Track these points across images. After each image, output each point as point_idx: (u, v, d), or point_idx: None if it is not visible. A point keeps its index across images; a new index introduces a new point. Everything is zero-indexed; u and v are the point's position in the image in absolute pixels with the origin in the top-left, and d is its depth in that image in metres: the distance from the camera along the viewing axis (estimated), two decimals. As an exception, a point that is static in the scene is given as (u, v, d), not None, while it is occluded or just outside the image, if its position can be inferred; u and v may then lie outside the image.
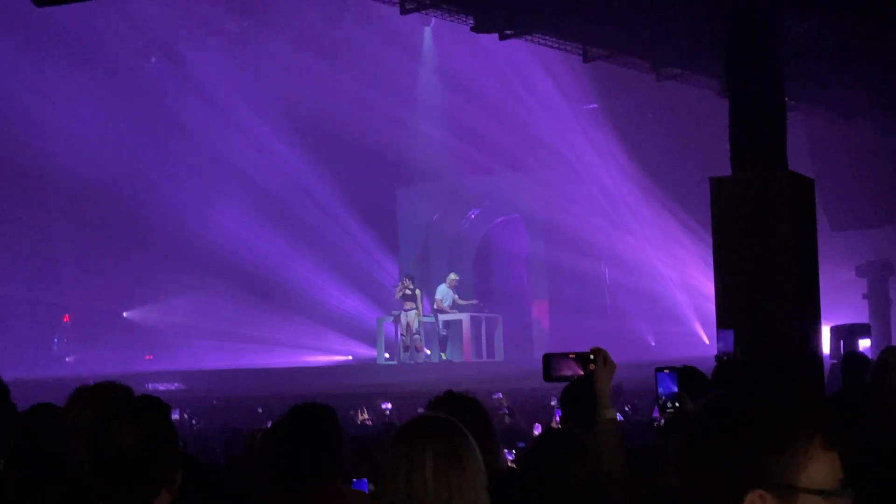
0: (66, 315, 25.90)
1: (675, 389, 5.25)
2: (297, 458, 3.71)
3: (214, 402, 15.14)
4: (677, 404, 5.22)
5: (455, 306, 21.06)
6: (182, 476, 2.97)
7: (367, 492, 4.38)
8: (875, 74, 14.86)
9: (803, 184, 10.04)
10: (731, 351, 5.97)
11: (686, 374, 5.16)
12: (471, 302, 21.46)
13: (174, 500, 2.94)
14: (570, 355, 4.48)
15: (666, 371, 5.31)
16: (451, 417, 2.62)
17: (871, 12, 12.10)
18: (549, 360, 4.49)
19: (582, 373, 4.44)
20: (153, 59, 24.55)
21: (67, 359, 25.10)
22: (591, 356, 4.42)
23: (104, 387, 3.95)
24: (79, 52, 23.52)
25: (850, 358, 9.92)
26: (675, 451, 1.77)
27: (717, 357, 6.02)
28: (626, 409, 10.69)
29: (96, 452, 2.93)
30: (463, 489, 2.47)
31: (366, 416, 11.53)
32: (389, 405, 12.22)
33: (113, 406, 3.04)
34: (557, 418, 5.71)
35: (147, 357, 25.03)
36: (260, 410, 13.12)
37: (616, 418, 4.27)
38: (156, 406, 3.01)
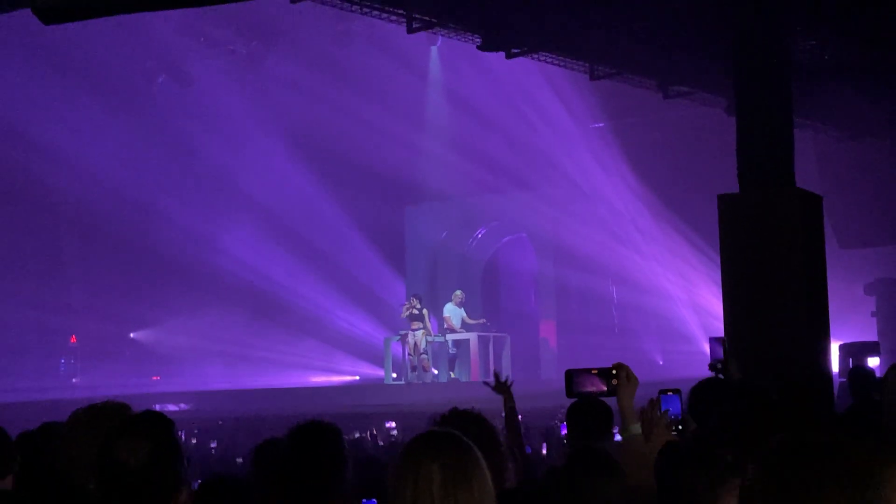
0: (73, 336, 25.89)
1: (679, 411, 5.24)
2: (298, 475, 3.68)
3: (220, 422, 15.09)
4: (680, 427, 5.20)
5: (464, 325, 21.03)
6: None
7: None
8: (884, 93, 14.85)
9: (812, 201, 10.01)
10: (723, 359, 5.96)
11: (695, 393, 5.14)
12: (479, 320, 21.42)
13: None
14: (593, 371, 4.46)
15: (669, 393, 5.30)
16: (457, 432, 2.59)
17: (881, 31, 12.09)
18: (571, 375, 4.46)
19: (605, 388, 4.42)
20: (161, 80, 24.62)
21: (74, 380, 25.07)
22: (614, 371, 4.39)
23: (101, 407, 3.91)
24: (86, 72, 23.59)
25: (856, 374, 9.88)
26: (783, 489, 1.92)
27: (710, 366, 6.01)
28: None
29: (103, 471, 2.90)
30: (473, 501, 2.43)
31: (393, 429, 11.49)
32: (394, 424, 12.18)
33: (119, 424, 3.01)
34: (563, 432, 5.72)
35: (154, 378, 24.99)
36: (267, 429, 13.07)
37: (640, 433, 4.25)
38: (161, 423, 2.98)
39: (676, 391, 5.11)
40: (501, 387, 5.67)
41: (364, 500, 4.55)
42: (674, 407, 5.24)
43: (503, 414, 6.14)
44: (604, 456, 3.99)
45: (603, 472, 3.86)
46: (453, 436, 2.58)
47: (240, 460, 8.86)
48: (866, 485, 1.88)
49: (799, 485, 1.90)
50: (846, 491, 1.87)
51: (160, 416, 3.03)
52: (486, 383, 5.79)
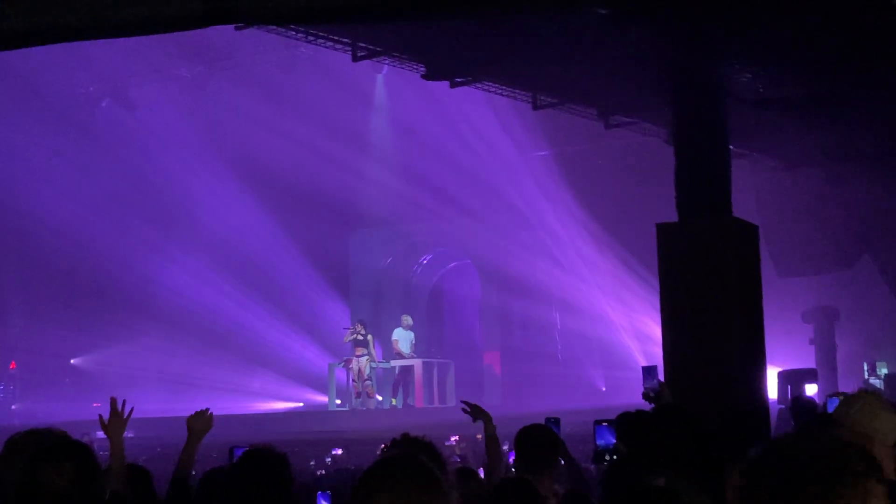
0: (13, 362, 25.53)
1: (613, 441, 5.38)
2: (245, 501, 3.70)
3: (158, 449, 14.96)
4: (615, 456, 5.33)
5: (413, 350, 21.08)
6: None
7: None
8: (818, 123, 15.15)
9: (748, 230, 10.20)
10: (657, 387, 6.09)
11: (623, 422, 5.27)
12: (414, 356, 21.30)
13: None
14: None
15: (604, 424, 5.46)
16: (418, 455, 2.46)
17: (814, 63, 12.37)
18: None
19: None
20: (104, 104, 24.46)
21: (14, 406, 24.70)
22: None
23: (37, 433, 3.89)
24: (27, 96, 23.39)
25: (797, 403, 10.08)
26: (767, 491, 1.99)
27: (644, 394, 6.14)
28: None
29: (25, 496, 2.92)
30: None
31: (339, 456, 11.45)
32: (340, 451, 12.17)
33: (41, 450, 3.03)
34: (511, 460, 5.78)
35: (95, 404, 24.70)
36: (214, 456, 13.00)
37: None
38: (82, 449, 3.03)
39: (611, 422, 5.27)
40: (479, 412, 5.59)
41: (319, 494, 4.59)
42: (608, 438, 5.39)
43: (447, 442, 6.17)
44: (527, 487, 4.06)
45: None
46: (415, 460, 2.42)
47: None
48: (850, 494, 1.95)
49: (784, 491, 1.97)
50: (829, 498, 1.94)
51: (80, 443, 3.06)
52: (464, 409, 5.65)
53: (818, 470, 1.97)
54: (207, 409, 5.13)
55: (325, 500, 4.63)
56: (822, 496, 1.95)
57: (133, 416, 4.93)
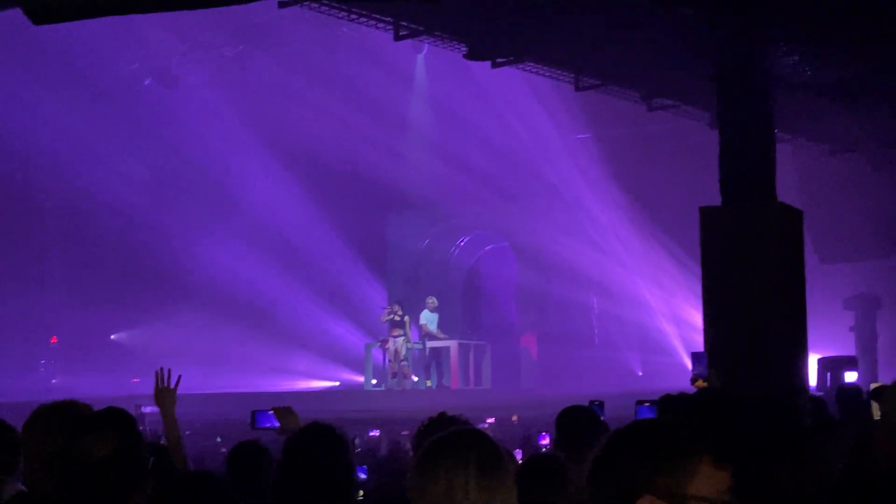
0: (54, 337, 25.78)
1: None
2: (318, 481, 3.65)
3: (198, 424, 15.05)
4: None
5: (440, 330, 21.07)
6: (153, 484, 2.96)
7: None
8: (866, 109, 14.96)
9: (792, 215, 10.08)
10: (706, 374, 6.03)
11: (666, 403, 5.23)
12: (444, 336, 21.23)
13: None
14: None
15: (647, 404, 5.41)
16: (484, 431, 2.52)
17: (861, 47, 12.20)
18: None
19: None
20: (147, 82, 24.58)
21: (53, 381, 24.96)
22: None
23: (63, 405, 3.87)
24: (72, 74, 23.55)
25: (841, 390, 9.98)
26: (591, 464, 2.13)
27: (692, 379, 6.09)
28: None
29: (67, 466, 2.90)
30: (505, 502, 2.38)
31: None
32: (378, 433, 12.16)
33: (81, 421, 3.00)
34: (545, 441, 5.76)
35: (134, 380, 24.91)
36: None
37: None
38: (124, 418, 3.00)
39: (654, 402, 5.22)
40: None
41: (357, 467, 4.63)
42: (650, 416, 5.36)
43: (514, 418, 6.16)
44: (556, 464, 4.05)
45: (551, 481, 3.94)
46: (485, 435, 2.46)
47: (224, 450, 8.85)
48: (672, 468, 2.02)
49: (618, 461, 2.08)
50: (655, 471, 2.02)
51: (122, 411, 3.03)
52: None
53: (644, 451, 2.07)
54: (169, 385, 5.02)
55: (363, 473, 4.67)
56: (649, 474, 2.02)
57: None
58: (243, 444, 5.56)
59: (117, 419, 3.00)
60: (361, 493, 5.13)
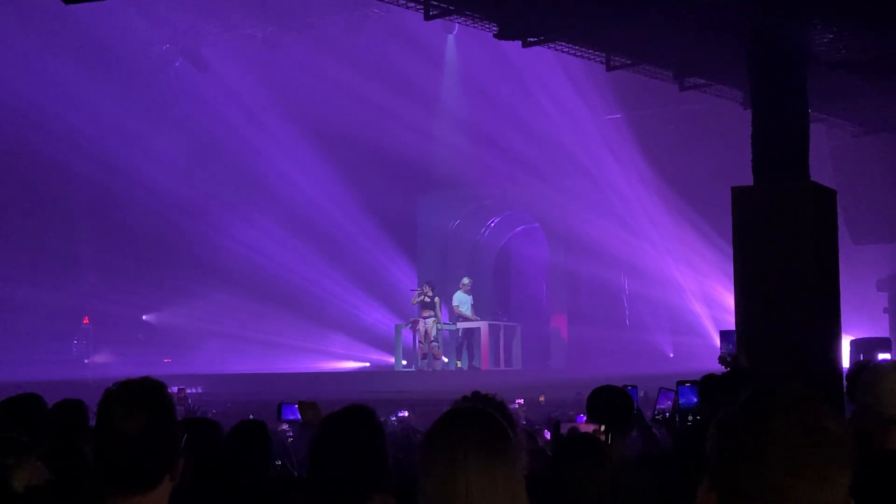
0: (87, 317, 25.99)
1: (695, 401, 5.35)
2: (352, 463, 3.63)
3: (229, 404, 15.12)
4: (698, 417, 5.27)
5: (473, 311, 21.06)
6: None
7: None
8: (900, 87, 14.76)
9: (826, 195, 9.97)
10: (735, 352, 6.01)
11: (707, 384, 5.22)
12: (475, 318, 21.24)
13: (175, 486, 2.89)
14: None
15: (687, 384, 5.42)
16: (489, 409, 2.52)
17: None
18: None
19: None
20: (177, 64, 24.66)
21: (86, 361, 25.18)
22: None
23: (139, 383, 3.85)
24: (102, 55, 23.64)
25: (863, 368, 9.85)
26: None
27: (720, 358, 6.07)
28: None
29: (100, 442, 2.87)
30: (510, 481, 2.39)
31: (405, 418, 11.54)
32: (406, 413, 12.18)
33: (114, 396, 2.95)
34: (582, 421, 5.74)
35: (165, 360, 25.10)
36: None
37: None
38: (159, 392, 2.95)
39: (694, 382, 5.24)
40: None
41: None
42: (690, 398, 5.35)
43: (512, 405, 6.18)
44: (594, 443, 4.04)
45: (590, 459, 3.92)
46: (486, 412, 2.48)
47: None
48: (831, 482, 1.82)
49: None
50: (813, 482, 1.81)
51: (159, 384, 2.97)
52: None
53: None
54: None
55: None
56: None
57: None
58: (244, 422, 5.65)
59: (150, 395, 2.95)
60: None
